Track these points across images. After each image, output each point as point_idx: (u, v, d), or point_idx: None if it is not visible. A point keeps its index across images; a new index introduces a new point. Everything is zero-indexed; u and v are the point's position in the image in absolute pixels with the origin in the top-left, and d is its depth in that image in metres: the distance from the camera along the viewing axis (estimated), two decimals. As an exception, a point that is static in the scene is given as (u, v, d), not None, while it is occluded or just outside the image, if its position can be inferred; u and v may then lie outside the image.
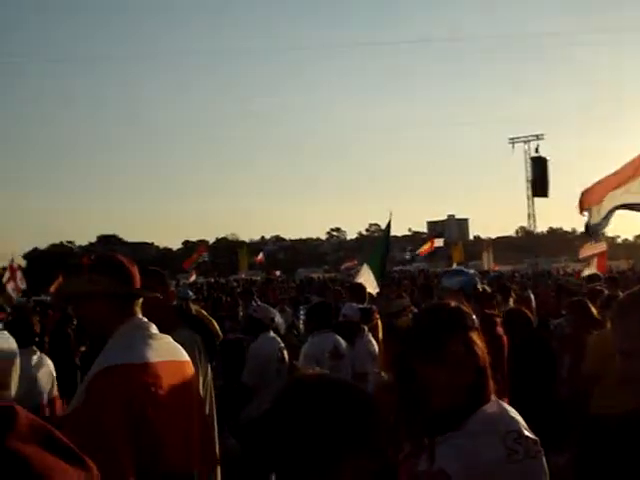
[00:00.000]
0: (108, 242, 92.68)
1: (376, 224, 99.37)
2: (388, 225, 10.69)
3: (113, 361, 2.47)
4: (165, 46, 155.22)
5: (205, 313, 6.03)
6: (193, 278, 34.63)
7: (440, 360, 2.05)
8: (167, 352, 2.67)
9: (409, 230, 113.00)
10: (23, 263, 79.45)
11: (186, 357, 2.80)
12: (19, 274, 22.23)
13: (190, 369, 2.81)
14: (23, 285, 21.76)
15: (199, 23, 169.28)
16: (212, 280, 42.57)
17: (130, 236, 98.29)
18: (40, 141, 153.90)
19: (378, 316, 7.04)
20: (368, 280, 9.05)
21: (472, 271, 6.67)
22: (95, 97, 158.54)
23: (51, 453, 1.06)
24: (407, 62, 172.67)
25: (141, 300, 2.74)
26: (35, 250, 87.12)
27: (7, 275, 21.88)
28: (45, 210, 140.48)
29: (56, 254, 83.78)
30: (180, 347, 2.80)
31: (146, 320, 2.71)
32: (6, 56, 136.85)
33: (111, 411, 2.35)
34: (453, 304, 2.22)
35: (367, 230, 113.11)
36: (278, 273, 44.16)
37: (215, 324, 5.63)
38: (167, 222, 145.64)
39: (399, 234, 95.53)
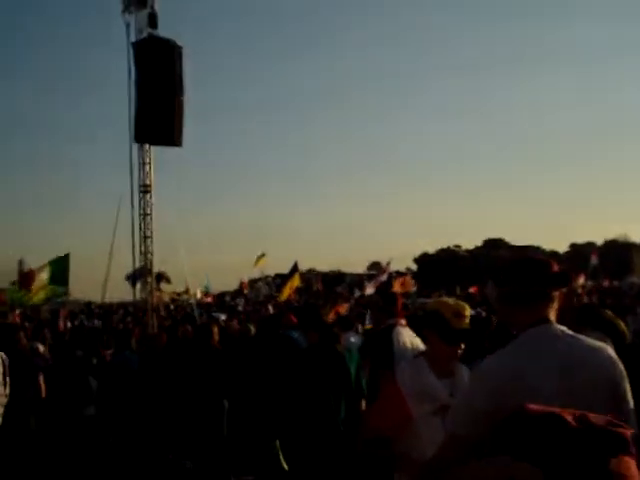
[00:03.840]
0: (494, 246, 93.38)
1: None
2: None
3: None
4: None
5: (612, 314, 5.62)
6: (581, 281, 33.42)
7: None
8: None
9: None
10: (414, 267, 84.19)
11: None
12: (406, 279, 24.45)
13: None
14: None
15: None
16: (601, 284, 40.51)
17: (516, 239, 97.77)
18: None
19: None
20: None
21: None
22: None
23: None
24: None
25: None
26: (425, 255, 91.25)
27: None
28: (436, 216, 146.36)
29: (443, 258, 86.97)
30: None
31: None
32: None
33: None
34: None
35: None
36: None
37: (623, 325, 5.22)
38: (553, 225, 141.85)
39: None
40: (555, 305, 2.60)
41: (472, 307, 14.23)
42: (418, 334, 6.25)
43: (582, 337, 2.57)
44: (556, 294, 2.60)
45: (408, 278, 29.80)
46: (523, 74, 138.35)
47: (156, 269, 18.21)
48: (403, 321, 6.10)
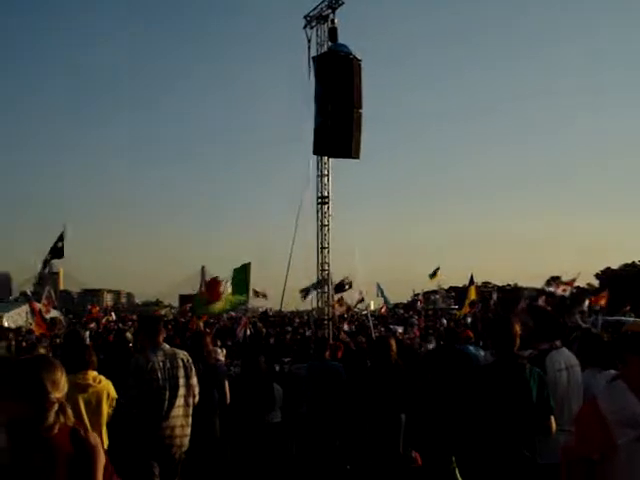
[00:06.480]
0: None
1: None
2: None
3: None
4: None
5: None
6: None
7: None
8: None
9: None
10: (596, 283, 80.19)
11: None
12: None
13: None
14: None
15: None
16: None
17: None
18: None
19: None
20: None
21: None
22: None
23: None
24: None
25: None
26: (607, 269, 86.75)
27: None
28: (621, 231, 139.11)
29: (628, 273, 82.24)
30: None
31: None
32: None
33: None
34: None
35: None
36: None
37: None
38: None
39: None
40: None
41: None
42: (599, 354, 5.90)
43: None
44: None
45: (605, 294, 28.46)
46: None
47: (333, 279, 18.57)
48: (558, 342, 5.77)
